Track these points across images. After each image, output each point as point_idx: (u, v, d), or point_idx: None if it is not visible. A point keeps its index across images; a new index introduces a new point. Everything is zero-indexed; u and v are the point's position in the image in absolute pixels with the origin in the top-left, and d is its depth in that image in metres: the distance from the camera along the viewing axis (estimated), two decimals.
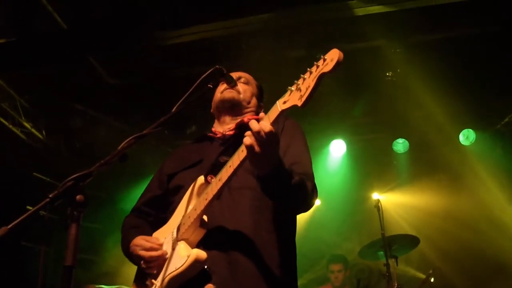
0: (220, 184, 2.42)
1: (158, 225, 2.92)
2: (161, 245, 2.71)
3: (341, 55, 2.01)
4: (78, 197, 1.93)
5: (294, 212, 2.85)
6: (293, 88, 2.18)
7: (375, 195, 7.55)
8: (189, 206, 2.67)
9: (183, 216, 2.64)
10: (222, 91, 3.11)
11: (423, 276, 6.77)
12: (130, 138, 2.24)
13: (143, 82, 7.80)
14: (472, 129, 8.48)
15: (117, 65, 7.54)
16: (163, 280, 2.52)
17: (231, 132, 3.04)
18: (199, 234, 2.57)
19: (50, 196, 1.93)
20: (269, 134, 2.20)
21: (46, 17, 6.45)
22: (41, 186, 8.49)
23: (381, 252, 6.29)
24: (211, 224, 2.58)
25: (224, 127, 3.12)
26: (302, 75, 2.16)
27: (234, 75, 3.16)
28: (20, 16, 6.50)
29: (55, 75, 7.48)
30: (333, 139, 8.86)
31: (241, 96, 3.13)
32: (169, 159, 3.24)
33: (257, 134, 2.20)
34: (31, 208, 1.93)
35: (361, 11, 6.06)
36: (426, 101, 7.61)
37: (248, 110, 3.17)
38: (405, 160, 9.07)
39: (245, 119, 3.06)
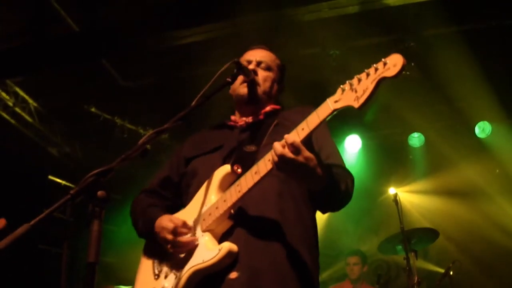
0: (257, 178, 2.36)
1: (173, 211, 2.81)
2: (190, 228, 2.60)
3: (405, 60, 1.95)
4: (99, 192, 1.89)
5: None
6: (346, 87, 2.10)
7: (392, 190, 7.47)
8: (211, 195, 2.59)
9: (208, 206, 2.56)
10: (240, 84, 2.94)
11: (442, 270, 6.68)
12: (151, 132, 2.21)
13: (157, 84, 7.79)
14: (488, 121, 8.40)
15: (130, 67, 7.55)
16: (186, 271, 2.46)
17: (251, 120, 2.98)
18: (226, 225, 2.52)
19: (71, 192, 1.87)
20: (295, 155, 2.20)
21: (58, 20, 6.47)
22: (56, 189, 8.50)
23: (400, 246, 6.24)
24: (236, 213, 2.53)
25: (244, 117, 3.03)
26: (357, 75, 2.08)
27: (255, 55, 3.06)
28: (33, 20, 6.53)
29: (69, 78, 7.50)
30: (348, 134, 8.81)
31: (261, 88, 2.96)
32: (187, 143, 3.16)
33: (282, 158, 2.20)
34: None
35: (371, 5, 6.02)
36: (441, 94, 7.55)
37: (268, 99, 3.05)
38: (421, 154, 9.01)
39: (268, 108, 3.02)
